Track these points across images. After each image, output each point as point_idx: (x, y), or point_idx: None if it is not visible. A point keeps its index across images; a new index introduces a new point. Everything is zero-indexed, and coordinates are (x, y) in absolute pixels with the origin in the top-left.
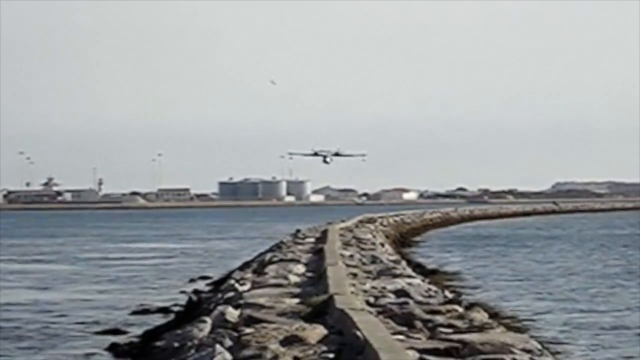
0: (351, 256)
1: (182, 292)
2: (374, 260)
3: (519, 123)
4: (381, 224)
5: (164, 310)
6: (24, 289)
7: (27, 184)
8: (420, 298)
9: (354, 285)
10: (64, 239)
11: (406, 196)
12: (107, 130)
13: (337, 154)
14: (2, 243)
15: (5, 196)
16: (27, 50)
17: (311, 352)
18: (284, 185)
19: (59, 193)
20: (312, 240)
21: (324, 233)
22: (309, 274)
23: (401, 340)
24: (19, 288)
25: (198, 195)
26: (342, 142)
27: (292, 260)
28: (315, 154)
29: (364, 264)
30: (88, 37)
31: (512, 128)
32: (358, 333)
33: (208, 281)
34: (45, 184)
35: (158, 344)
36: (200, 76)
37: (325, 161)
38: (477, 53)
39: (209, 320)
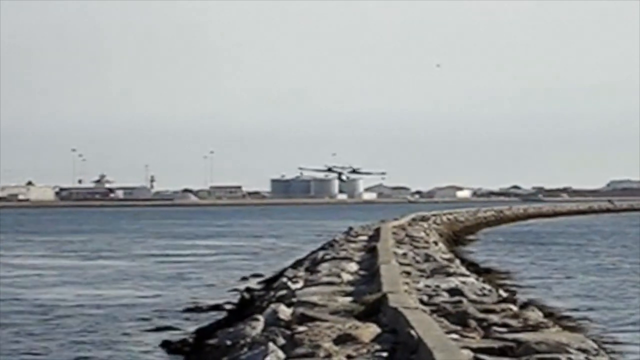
0: (404, 254)
1: (235, 290)
2: (428, 258)
3: (574, 121)
4: (434, 222)
5: (217, 308)
6: (78, 285)
7: (79, 181)
8: (474, 297)
9: (407, 283)
10: (117, 235)
11: (460, 194)
12: (160, 128)
13: (354, 171)
14: (57, 240)
15: (57, 193)
16: (77, 48)
17: (364, 350)
18: (336, 182)
19: (111, 190)
20: (365, 238)
21: (377, 231)
22: (362, 272)
23: (455, 339)
24: (74, 284)
25: (250, 193)
26: (392, 142)
27: (344, 258)
28: (329, 170)
29: (417, 262)
30: (140, 35)
31: (567, 126)
32: (412, 332)
33: (260, 279)
34: (98, 181)
35: (211, 341)
36: (252, 74)
37: (340, 179)
38: (533, 48)
39: (261, 318)
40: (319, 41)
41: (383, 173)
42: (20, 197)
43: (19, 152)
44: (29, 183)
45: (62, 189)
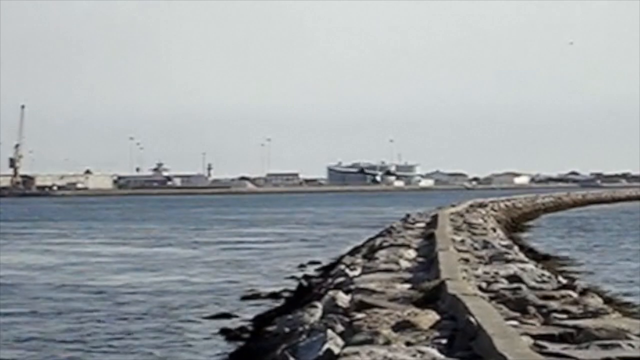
0: (462, 241)
1: (292, 277)
2: (486, 245)
3: (633, 106)
4: (492, 208)
5: (274, 296)
6: (138, 272)
7: (137, 170)
8: (533, 283)
9: (465, 270)
10: (175, 223)
11: (517, 180)
12: (217, 116)
13: (388, 173)
14: (117, 227)
15: (115, 181)
16: (135, 37)
17: (423, 337)
18: (393, 169)
19: (168, 178)
20: (423, 225)
21: (435, 218)
22: (420, 259)
23: (515, 326)
24: (134, 271)
25: (307, 180)
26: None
27: (402, 245)
28: (362, 172)
29: (475, 249)
30: (199, 24)
31: (625, 111)
32: (471, 319)
33: (318, 266)
34: (155, 170)
35: (269, 328)
36: (309, 61)
37: (374, 180)
38: (588, 33)
39: (319, 305)
40: (374, 30)
41: (420, 175)
42: (79, 185)
43: (78, 141)
44: (88, 171)
45: (120, 177)
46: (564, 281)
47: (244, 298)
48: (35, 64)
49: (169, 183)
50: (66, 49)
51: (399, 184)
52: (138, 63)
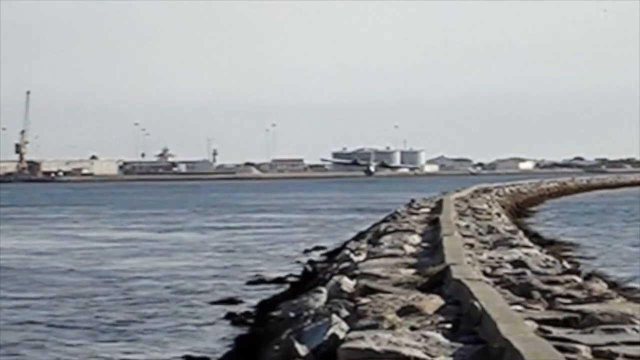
0: (467, 226)
1: (297, 262)
2: (490, 230)
3: (637, 91)
4: (497, 193)
5: (279, 281)
6: (145, 257)
7: (142, 155)
8: (537, 268)
9: (470, 255)
10: (180, 208)
11: (522, 166)
12: (222, 102)
13: (383, 165)
14: (124, 213)
15: (120, 167)
16: (140, 23)
17: (428, 322)
18: (398, 155)
19: (173, 164)
20: (427, 210)
21: (439, 203)
22: (425, 245)
23: (519, 311)
24: (141, 256)
25: (311, 166)
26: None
27: (407, 230)
28: (355, 163)
29: (480, 234)
30: (202, 10)
31: (630, 97)
32: (476, 303)
33: (323, 252)
34: (160, 155)
35: (274, 313)
36: (312, 48)
37: (368, 171)
38: (593, 21)
39: (324, 290)
40: (380, 17)
41: (416, 168)
42: (85, 171)
43: (83, 127)
44: (93, 157)
45: (125, 163)
46: (569, 266)
47: (250, 283)
48: (41, 50)
49: (174, 169)
50: (72, 35)
51: (404, 169)
52: (143, 49)
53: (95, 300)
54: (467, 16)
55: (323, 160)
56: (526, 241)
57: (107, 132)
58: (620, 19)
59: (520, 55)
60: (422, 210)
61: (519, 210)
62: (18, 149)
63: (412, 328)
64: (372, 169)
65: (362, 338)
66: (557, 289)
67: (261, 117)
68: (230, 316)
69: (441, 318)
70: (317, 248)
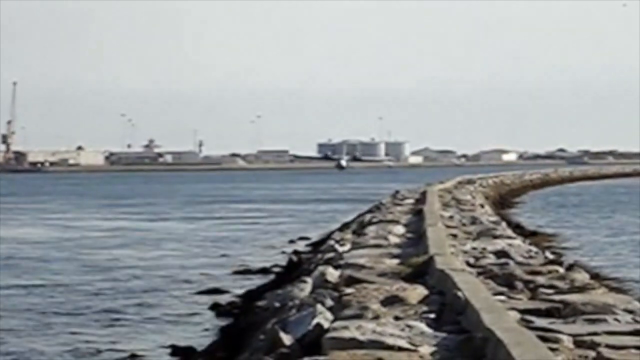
0: (451, 217)
1: (283, 252)
2: (474, 221)
3: (620, 83)
4: (480, 185)
5: (265, 271)
6: (130, 247)
7: (129, 146)
8: (520, 259)
9: (454, 246)
10: (166, 199)
11: (505, 157)
12: (208, 92)
13: (354, 159)
14: (111, 203)
15: (107, 158)
16: (126, 13)
17: (412, 312)
18: (382, 146)
19: (159, 155)
20: (412, 201)
21: (423, 194)
22: (409, 235)
23: (502, 301)
24: (127, 246)
25: (297, 157)
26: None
27: (391, 221)
28: (326, 157)
29: (463, 224)
30: (187, 2)
31: (612, 88)
32: (459, 293)
33: (307, 242)
34: (147, 146)
35: (259, 303)
36: (298, 38)
37: (340, 166)
38: (576, 13)
39: (309, 280)
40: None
41: (390, 160)
42: (71, 161)
43: (70, 118)
44: (79, 148)
45: (111, 154)
46: (551, 256)
47: (235, 273)
48: (27, 41)
49: (160, 159)
50: (58, 26)
51: (389, 162)
52: (129, 40)
53: (82, 290)
54: (451, 7)
55: (295, 156)
56: (509, 232)
57: (93, 122)
58: (604, 7)
59: (504, 48)
60: (407, 201)
61: (502, 201)
62: (5, 139)
63: (396, 318)
64: (343, 163)
65: (346, 328)
66: (540, 279)
67: (247, 108)
68: (215, 306)
69: (425, 308)
70: (302, 238)
